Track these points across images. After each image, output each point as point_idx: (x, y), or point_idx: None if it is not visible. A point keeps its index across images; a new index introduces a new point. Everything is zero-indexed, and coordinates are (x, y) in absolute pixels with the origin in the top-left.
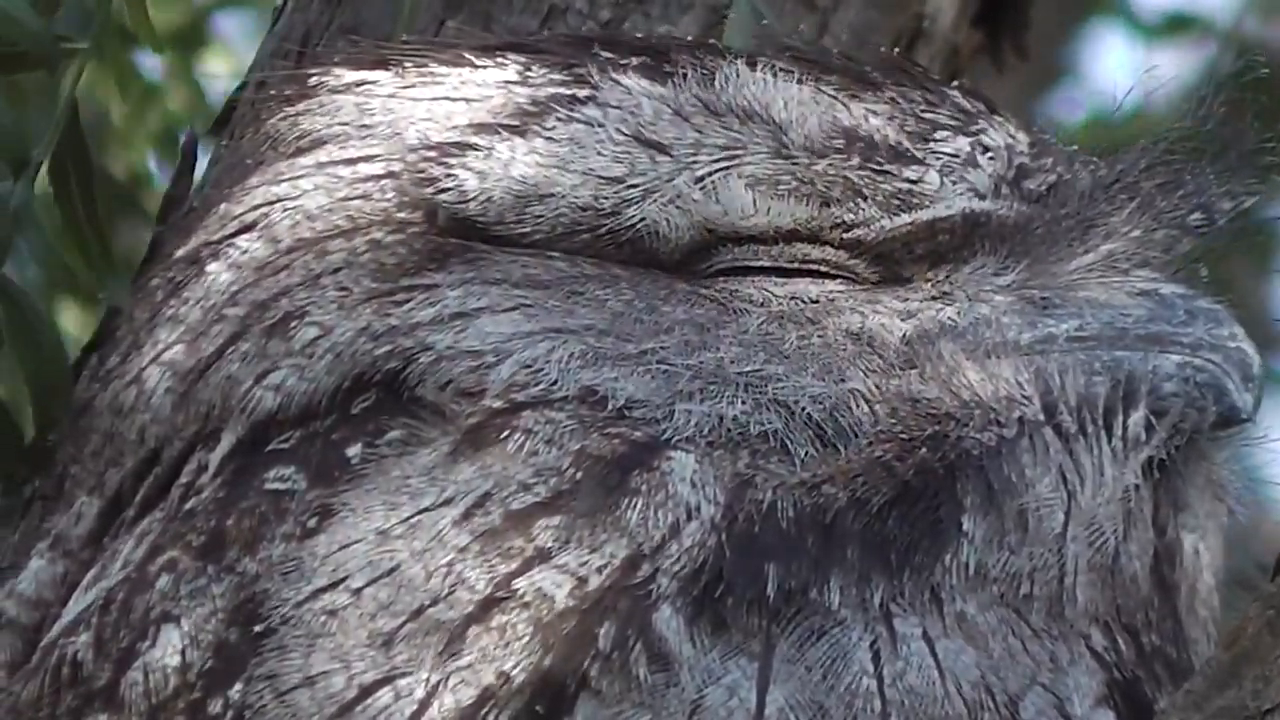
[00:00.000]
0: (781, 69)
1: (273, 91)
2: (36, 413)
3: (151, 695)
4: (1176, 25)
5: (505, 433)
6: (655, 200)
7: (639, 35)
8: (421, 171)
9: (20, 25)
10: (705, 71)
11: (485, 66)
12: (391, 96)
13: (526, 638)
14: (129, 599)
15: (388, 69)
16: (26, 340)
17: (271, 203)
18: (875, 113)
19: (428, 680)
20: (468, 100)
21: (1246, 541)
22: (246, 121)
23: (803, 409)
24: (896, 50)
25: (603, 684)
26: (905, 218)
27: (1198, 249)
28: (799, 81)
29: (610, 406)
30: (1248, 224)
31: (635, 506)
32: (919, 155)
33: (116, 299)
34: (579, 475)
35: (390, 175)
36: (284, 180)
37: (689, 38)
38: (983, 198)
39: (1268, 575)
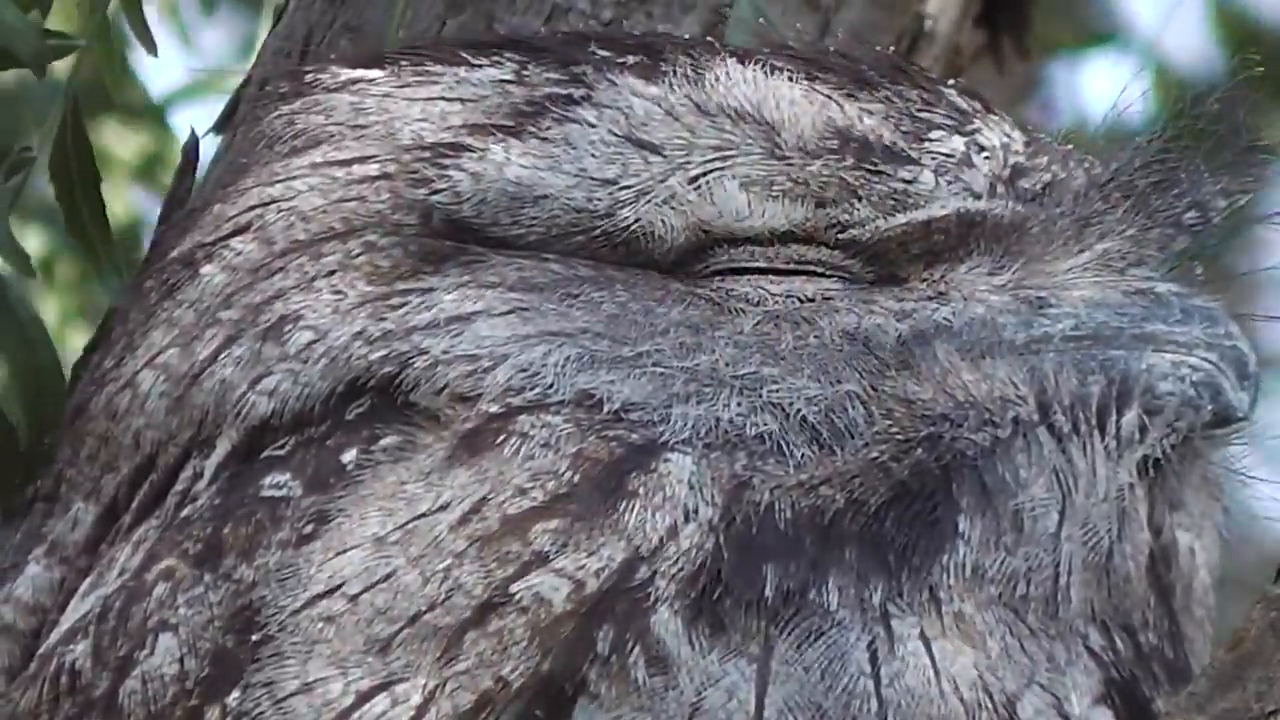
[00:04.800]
0: (774, 68)
1: (271, 90)
2: (29, 416)
3: (150, 704)
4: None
5: (501, 437)
6: (649, 201)
7: (637, 33)
8: (416, 173)
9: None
10: (697, 71)
11: (481, 65)
12: (387, 96)
13: (524, 642)
14: (126, 607)
15: (383, 68)
16: (17, 340)
17: (266, 204)
18: (870, 112)
19: (425, 686)
20: (463, 100)
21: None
22: (246, 120)
23: (798, 410)
24: (898, 51)
25: (601, 688)
26: (900, 218)
27: (1193, 247)
28: (792, 80)
29: (607, 409)
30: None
31: (633, 509)
32: (914, 155)
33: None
34: (576, 478)
35: (385, 176)
36: (279, 181)
37: (688, 36)
38: (978, 197)
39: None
